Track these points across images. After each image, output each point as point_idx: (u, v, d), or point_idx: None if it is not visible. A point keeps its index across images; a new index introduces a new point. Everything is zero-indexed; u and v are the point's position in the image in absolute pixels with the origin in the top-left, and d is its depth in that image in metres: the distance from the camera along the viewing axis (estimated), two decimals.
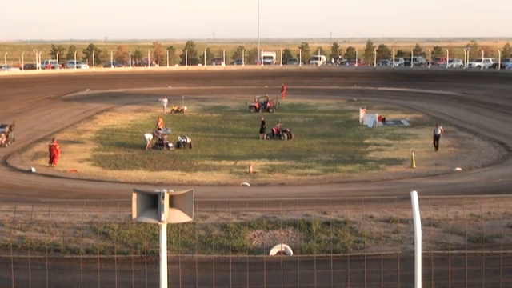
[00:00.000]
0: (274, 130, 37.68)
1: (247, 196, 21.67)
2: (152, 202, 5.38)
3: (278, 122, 39.03)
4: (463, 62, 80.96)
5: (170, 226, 5.94)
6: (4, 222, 13.35)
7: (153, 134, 35.54)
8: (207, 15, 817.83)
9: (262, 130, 37.91)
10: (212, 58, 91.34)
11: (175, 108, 50.85)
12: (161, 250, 5.51)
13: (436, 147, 32.94)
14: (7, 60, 75.49)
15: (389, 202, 15.02)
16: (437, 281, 7.57)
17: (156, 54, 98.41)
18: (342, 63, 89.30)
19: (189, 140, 34.94)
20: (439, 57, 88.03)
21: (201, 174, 28.42)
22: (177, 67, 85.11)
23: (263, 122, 38.31)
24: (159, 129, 37.87)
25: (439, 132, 33.27)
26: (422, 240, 5.78)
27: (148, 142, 34.37)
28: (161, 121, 40.70)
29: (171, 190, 5.39)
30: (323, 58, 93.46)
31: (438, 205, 14.00)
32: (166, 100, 51.36)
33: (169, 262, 5.57)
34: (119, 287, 8.17)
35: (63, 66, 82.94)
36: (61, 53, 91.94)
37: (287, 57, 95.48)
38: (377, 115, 43.94)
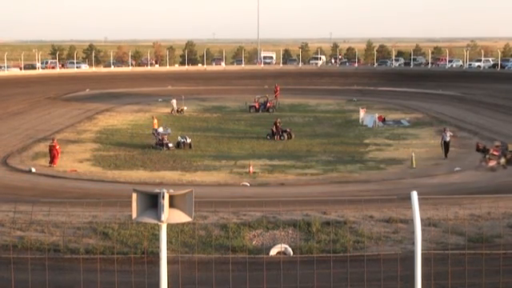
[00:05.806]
0: (274, 130, 37.67)
1: (247, 196, 21.68)
2: (152, 202, 5.37)
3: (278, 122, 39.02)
4: (463, 62, 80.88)
5: (170, 226, 5.94)
6: (4, 222, 13.34)
7: (153, 134, 35.52)
8: (207, 15, 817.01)
9: (277, 131, 37.68)
10: (212, 58, 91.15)
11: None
12: (161, 250, 5.51)
13: (446, 154, 31.03)
14: (7, 60, 75.47)
15: (389, 202, 15.03)
16: (437, 281, 7.56)
17: (156, 54, 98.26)
18: (341, 63, 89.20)
19: (189, 140, 34.94)
20: (439, 57, 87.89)
21: (201, 173, 28.43)
22: (177, 67, 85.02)
23: (280, 123, 38.25)
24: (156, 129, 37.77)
25: (448, 138, 31.52)
26: (422, 240, 5.77)
27: (166, 136, 34.48)
28: (155, 121, 40.37)
29: (171, 190, 5.38)
30: (323, 58, 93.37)
31: (437, 205, 14.00)
32: (175, 101, 51.10)
33: (169, 262, 5.57)
34: (119, 287, 8.17)
35: (63, 66, 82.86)
36: (61, 53, 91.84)
37: (287, 57, 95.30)
38: (377, 115, 43.93)
